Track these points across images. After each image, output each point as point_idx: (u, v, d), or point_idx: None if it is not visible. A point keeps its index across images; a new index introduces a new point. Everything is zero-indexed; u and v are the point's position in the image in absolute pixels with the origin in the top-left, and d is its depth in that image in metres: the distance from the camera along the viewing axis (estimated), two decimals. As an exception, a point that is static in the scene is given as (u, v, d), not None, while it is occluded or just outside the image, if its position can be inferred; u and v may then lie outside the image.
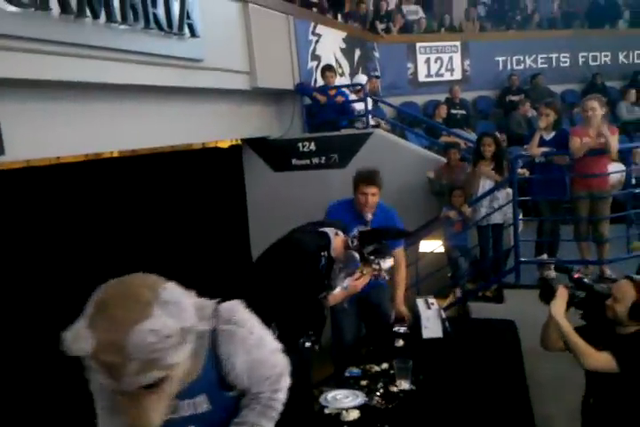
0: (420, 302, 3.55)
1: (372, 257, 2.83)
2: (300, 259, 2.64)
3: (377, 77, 8.27)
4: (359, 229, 3.43)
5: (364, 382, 2.83)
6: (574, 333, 2.44)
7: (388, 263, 2.91)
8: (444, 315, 3.51)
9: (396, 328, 3.54)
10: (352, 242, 2.81)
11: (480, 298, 4.89)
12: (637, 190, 4.87)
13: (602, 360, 2.37)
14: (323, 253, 2.72)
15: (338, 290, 2.90)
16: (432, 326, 3.39)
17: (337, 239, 2.79)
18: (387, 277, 3.15)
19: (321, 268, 2.72)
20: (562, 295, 2.55)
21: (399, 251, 3.76)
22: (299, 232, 2.84)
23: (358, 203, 3.58)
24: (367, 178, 3.56)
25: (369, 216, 3.55)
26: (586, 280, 2.64)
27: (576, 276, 2.65)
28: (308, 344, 2.77)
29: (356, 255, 2.79)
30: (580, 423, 2.68)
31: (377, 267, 2.87)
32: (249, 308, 1.55)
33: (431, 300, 3.57)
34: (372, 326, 3.76)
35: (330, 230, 2.81)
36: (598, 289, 2.58)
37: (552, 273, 4.70)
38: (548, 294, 2.61)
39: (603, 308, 2.47)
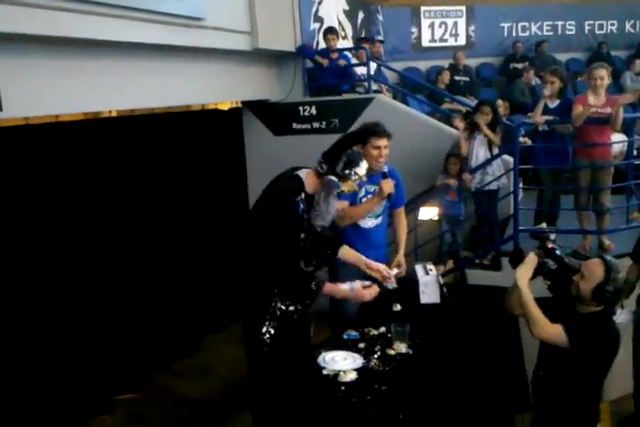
0: (418, 268, 3.57)
1: (346, 171, 2.78)
2: (276, 210, 2.70)
3: (381, 42, 8.09)
4: (367, 188, 3.50)
5: (361, 345, 2.88)
6: (532, 300, 2.45)
7: (363, 168, 2.85)
8: (441, 281, 3.53)
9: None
10: (322, 168, 2.78)
11: (477, 265, 4.92)
12: (638, 161, 4.85)
13: (551, 332, 2.39)
14: (299, 197, 2.74)
15: (346, 287, 2.91)
16: (430, 292, 3.42)
17: (308, 176, 2.81)
18: (395, 285, 3.12)
19: (301, 213, 2.73)
20: (530, 262, 2.54)
21: (400, 210, 3.79)
22: (276, 181, 2.86)
23: (369, 158, 3.30)
24: (379, 129, 3.42)
25: (385, 168, 3.47)
26: (558, 252, 2.61)
27: (550, 246, 2.62)
28: (291, 308, 2.81)
29: (332, 178, 2.76)
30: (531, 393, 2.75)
31: (356, 177, 2.82)
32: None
33: (429, 266, 3.60)
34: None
35: (301, 171, 2.83)
36: (568, 263, 2.55)
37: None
38: (516, 259, 2.60)
39: (569, 283, 2.46)
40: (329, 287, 2.87)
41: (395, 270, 3.20)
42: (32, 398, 4.14)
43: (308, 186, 2.80)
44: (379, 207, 3.57)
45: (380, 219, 3.62)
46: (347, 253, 3.15)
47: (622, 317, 3.26)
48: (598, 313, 2.44)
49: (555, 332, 2.38)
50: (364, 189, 3.50)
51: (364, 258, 3.14)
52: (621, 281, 2.41)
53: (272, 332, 2.79)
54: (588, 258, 2.55)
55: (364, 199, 3.52)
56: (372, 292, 2.91)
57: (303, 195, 2.77)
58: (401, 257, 3.63)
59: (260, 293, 2.81)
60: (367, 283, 2.95)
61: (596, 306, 2.43)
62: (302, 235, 2.76)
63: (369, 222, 3.58)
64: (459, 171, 5.02)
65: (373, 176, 3.44)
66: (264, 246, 2.75)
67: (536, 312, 2.42)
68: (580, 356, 2.38)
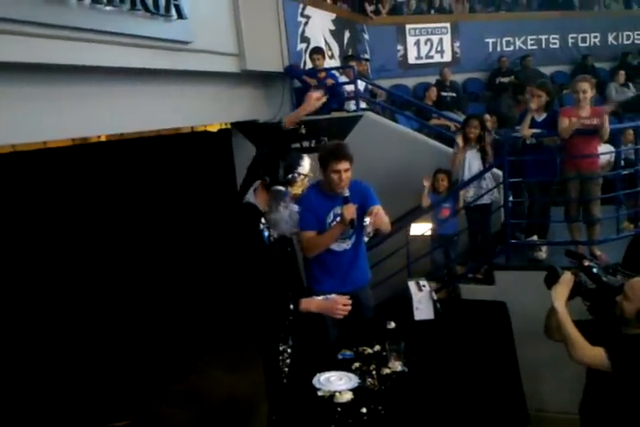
0: (411, 285, 3.56)
1: (289, 176, 2.78)
2: (248, 251, 2.71)
3: (367, 60, 8.19)
4: (335, 212, 3.38)
5: (356, 365, 2.85)
6: (569, 322, 2.31)
7: (306, 166, 2.84)
8: (435, 297, 3.52)
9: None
10: (266, 180, 2.79)
11: (470, 280, 4.92)
12: (626, 171, 4.88)
13: (591, 355, 2.27)
14: (260, 225, 2.76)
15: (320, 297, 2.89)
16: (424, 308, 3.41)
17: (259, 195, 2.82)
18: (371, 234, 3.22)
19: (267, 240, 2.75)
20: (565, 282, 2.39)
21: (378, 207, 3.36)
22: (235, 217, 2.88)
23: (330, 183, 3.28)
24: (337, 152, 3.24)
25: (346, 192, 3.23)
26: (595, 270, 2.44)
27: (586, 264, 2.46)
28: (281, 348, 2.83)
29: (278, 187, 2.77)
30: (579, 422, 2.63)
31: (302, 177, 2.81)
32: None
33: (423, 282, 3.58)
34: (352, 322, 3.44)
35: (249, 195, 2.85)
36: (607, 281, 2.41)
37: (542, 254, 4.73)
38: (551, 279, 2.44)
39: (611, 303, 2.33)
40: (305, 302, 2.81)
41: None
42: (30, 396, 4.10)
43: (261, 204, 2.81)
44: (346, 230, 3.37)
45: (352, 239, 3.47)
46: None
47: None
48: None
49: (596, 355, 2.26)
50: (332, 214, 3.37)
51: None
52: None
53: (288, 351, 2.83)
54: (631, 276, 2.43)
55: (332, 224, 3.36)
56: (346, 308, 2.81)
57: (263, 219, 2.79)
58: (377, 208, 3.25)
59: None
60: (345, 298, 2.86)
61: None
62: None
63: (343, 245, 3.44)
64: (447, 187, 5.05)
65: (340, 199, 3.30)
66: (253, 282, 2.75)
67: (574, 334, 2.29)
68: (625, 380, 2.26)
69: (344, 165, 3.23)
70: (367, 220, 3.20)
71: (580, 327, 2.33)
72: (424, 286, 3.51)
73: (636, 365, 2.24)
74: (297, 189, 2.86)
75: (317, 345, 3.02)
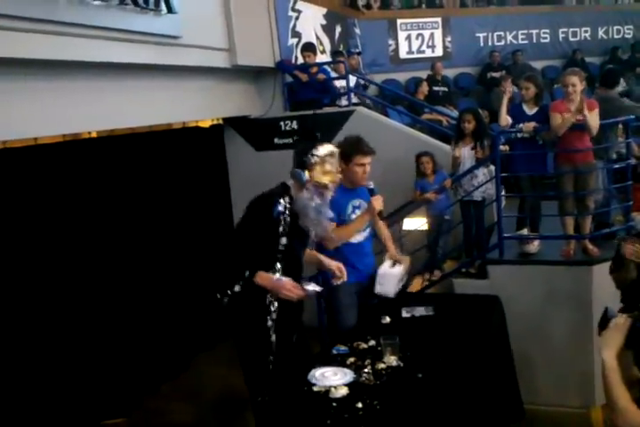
0: (387, 262, 3.56)
1: (304, 158, 2.83)
2: (251, 208, 2.79)
3: (358, 54, 8.14)
4: (354, 204, 3.49)
5: (351, 360, 2.84)
6: (617, 379, 1.84)
7: (321, 149, 2.86)
8: (404, 279, 3.55)
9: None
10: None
11: (464, 274, 4.92)
12: (617, 165, 4.89)
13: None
14: (280, 198, 2.78)
15: (274, 277, 2.85)
16: (385, 283, 3.43)
17: (293, 185, 2.86)
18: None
19: (277, 214, 2.75)
20: (617, 327, 1.91)
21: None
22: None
23: (353, 176, 3.40)
24: (364, 147, 3.38)
25: (371, 184, 3.43)
26: None
27: None
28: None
29: (297, 170, 2.83)
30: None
31: (316, 159, 2.82)
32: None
33: (403, 263, 3.56)
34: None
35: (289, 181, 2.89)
36: None
37: (533, 248, 4.74)
38: (603, 323, 1.97)
39: None
40: (260, 276, 2.77)
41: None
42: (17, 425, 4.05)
43: (294, 191, 2.85)
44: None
45: (367, 231, 3.60)
46: (309, 257, 3.14)
47: None
48: None
49: None
50: (350, 206, 3.48)
51: (320, 255, 3.19)
52: None
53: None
54: None
55: (352, 215, 3.47)
56: (296, 293, 2.78)
57: (288, 199, 2.81)
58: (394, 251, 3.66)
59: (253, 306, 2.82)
60: (294, 283, 2.83)
61: None
62: (284, 240, 2.78)
63: (359, 237, 3.53)
64: (433, 168, 5.04)
65: (356, 191, 3.47)
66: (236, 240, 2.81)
67: (621, 393, 1.81)
68: None
69: (368, 159, 3.39)
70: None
71: None
72: (399, 265, 3.52)
73: None
74: (317, 177, 2.83)
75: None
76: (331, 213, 2.98)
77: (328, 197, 2.91)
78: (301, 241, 2.94)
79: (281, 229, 2.78)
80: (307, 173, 2.82)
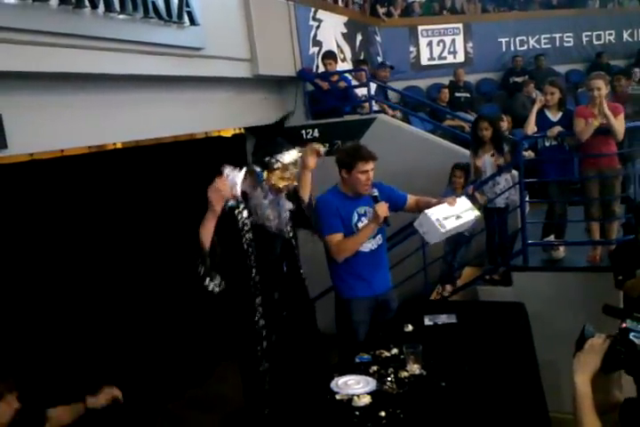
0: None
1: (265, 158, 2.80)
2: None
3: (391, 68, 7.85)
4: (359, 212, 3.40)
5: (374, 368, 2.84)
6: (588, 405, 1.72)
7: (286, 156, 2.82)
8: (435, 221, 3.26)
9: None
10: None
11: (488, 281, 4.88)
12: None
13: None
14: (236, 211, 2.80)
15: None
16: (429, 230, 3.23)
17: (246, 180, 2.79)
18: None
19: (241, 225, 2.80)
20: (593, 349, 1.75)
21: (409, 200, 3.54)
22: None
23: (356, 184, 3.30)
24: (364, 153, 3.28)
25: (375, 191, 3.27)
26: (633, 336, 1.69)
27: (623, 325, 1.74)
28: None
29: (255, 167, 2.81)
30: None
31: (280, 166, 2.79)
32: None
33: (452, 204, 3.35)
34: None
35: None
36: None
37: (560, 254, 4.68)
38: (579, 344, 1.83)
39: None
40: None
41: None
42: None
43: (248, 188, 2.85)
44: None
45: (378, 238, 3.47)
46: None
47: None
48: None
49: None
50: (355, 214, 3.38)
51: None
52: None
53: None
54: None
55: (359, 224, 3.37)
56: (219, 184, 2.77)
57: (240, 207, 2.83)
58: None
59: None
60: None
61: None
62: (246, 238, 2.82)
63: (368, 245, 3.41)
64: (464, 184, 5.01)
65: (361, 198, 3.38)
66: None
67: (590, 423, 1.69)
68: None
69: (371, 166, 3.28)
70: None
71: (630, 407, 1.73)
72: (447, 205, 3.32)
73: None
74: (275, 180, 2.82)
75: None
76: (290, 204, 2.95)
77: (282, 195, 2.89)
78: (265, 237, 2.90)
79: (240, 224, 2.81)
80: (265, 174, 2.81)
